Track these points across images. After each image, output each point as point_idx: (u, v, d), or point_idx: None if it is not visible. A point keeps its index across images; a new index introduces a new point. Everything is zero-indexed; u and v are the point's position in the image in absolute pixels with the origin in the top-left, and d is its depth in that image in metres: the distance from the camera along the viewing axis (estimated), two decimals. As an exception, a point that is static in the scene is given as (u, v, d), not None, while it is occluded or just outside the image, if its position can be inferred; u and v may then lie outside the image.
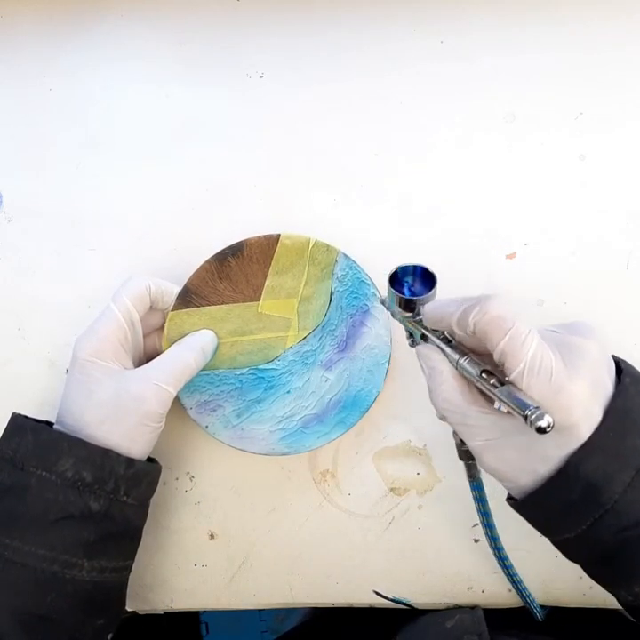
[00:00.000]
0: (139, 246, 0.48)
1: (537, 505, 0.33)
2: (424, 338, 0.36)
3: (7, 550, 0.36)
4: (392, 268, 0.36)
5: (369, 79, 0.47)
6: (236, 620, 1.06)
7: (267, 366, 0.45)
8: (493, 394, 0.31)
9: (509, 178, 0.46)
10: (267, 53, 0.48)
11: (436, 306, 0.34)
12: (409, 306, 0.36)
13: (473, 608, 0.44)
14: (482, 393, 0.34)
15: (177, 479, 0.47)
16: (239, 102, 0.48)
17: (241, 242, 0.44)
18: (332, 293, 0.44)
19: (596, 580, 0.35)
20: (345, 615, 0.55)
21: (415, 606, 0.46)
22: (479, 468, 0.37)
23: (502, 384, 0.31)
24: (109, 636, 0.41)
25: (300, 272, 0.44)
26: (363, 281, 0.44)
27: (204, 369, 0.43)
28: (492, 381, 0.32)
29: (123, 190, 0.48)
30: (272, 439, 0.44)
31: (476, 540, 0.45)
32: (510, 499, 0.35)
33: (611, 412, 0.31)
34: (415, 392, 0.45)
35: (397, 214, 0.47)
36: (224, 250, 0.44)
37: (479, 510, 0.41)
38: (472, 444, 0.34)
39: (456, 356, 0.34)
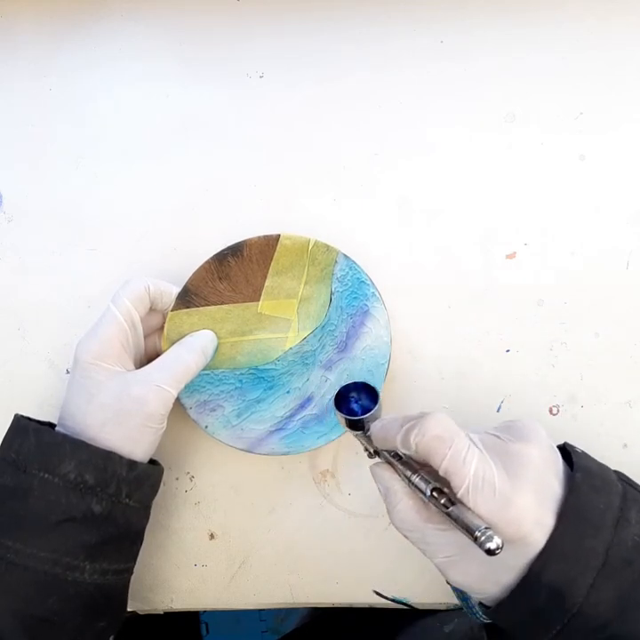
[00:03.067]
0: (138, 246, 0.48)
1: (507, 613, 0.33)
2: (377, 453, 0.37)
3: (9, 552, 0.36)
4: (335, 389, 0.39)
5: (369, 79, 0.47)
6: (235, 620, 1.06)
7: (266, 366, 0.45)
8: (444, 514, 0.32)
9: (509, 178, 0.46)
10: (267, 53, 0.48)
11: (381, 426, 0.36)
12: (357, 425, 0.38)
13: None
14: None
15: (177, 479, 0.47)
16: (239, 102, 0.48)
17: (241, 242, 0.44)
18: (331, 294, 0.44)
19: None
20: (345, 616, 0.55)
21: (415, 606, 0.46)
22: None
23: (452, 502, 0.32)
24: (111, 639, 0.41)
25: (299, 272, 0.44)
26: (363, 281, 0.44)
27: (203, 369, 0.43)
28: (442, 501, 0.32)
29: (122, 190, 0.48)
30: (272, 439, 0.44)
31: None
32: (482, 605, 0.35)
33: (564, 515, 0.31)
34: (415, 392, 0.45)
35: (397, 214, 0.47)
36: (224, 250, 0.44)
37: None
38: (435, 562, 0.34)
39: (408, 473, 0.34)
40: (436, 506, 0.32)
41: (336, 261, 0.44)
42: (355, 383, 0.39)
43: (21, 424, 0.39)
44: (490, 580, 0.33)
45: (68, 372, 0.47)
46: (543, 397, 0.45)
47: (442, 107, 0.47)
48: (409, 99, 0.47)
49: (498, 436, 0.34)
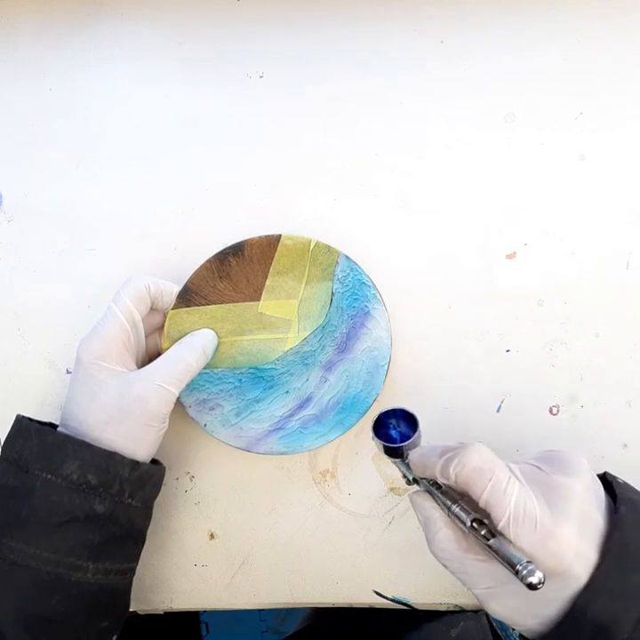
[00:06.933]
0: (139, 246, 0.48)
1: None
2: (416, 481, 0.37)
3: (12, 552, 0.36)
4: (374, 415, 0.38)
5: (369, 79, 0.47)
6: (235, 620, 1.06)
7: (266, 366, 0.45)
8: (484, 546, 0.32)
9: (509, 178, 0.46)
10: (267, 53, 0.48)
11: (419, 455, 0.35)
12: (396, 452, 0.37)
13: (476, 612, 0.44)
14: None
15: (177, 479, 0.47)
16: (239, 102, 0.48)
17: (242, 242, 0.44)
18: (332, 294, 0.44)
19: None
20: (348, 618, 0.55)
21: (415, 606, 0.46)
22: None
23: (493, 534, 0.31)
24: (114, 638, 0.41)
25: (300, 273, 0.44)
26: (363, 282, 0.44)
27: (203, 367, 0.43)
28: (482, 532, 0.32)
29: (123, 190, 0.48)
30: (270, 439, 0.44)
31: (476, 540, 0.45)
32: (523, 638, 0.35)
33: (609, 550, 0.31)
34: (415, 393, 0.45)
35: (397, 214, 0.47)
36: (225, 249, 0.44)
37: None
38: (474, 592, 0.34)
39: (448, 503, 0.34)
40: (475, 537, 0.32)
41: (337, 262, 0.44)
42: (394, 410, 0.38)
43: (23, 425, 0.39)
44: (530, 612, 0.32)
45: (68, 372, 0.47)
46: (543, 397, 0.45)
47: (442, 107, 0.47)
48: (409, 98, 0.47)
49: (539, 468, 0.33)
